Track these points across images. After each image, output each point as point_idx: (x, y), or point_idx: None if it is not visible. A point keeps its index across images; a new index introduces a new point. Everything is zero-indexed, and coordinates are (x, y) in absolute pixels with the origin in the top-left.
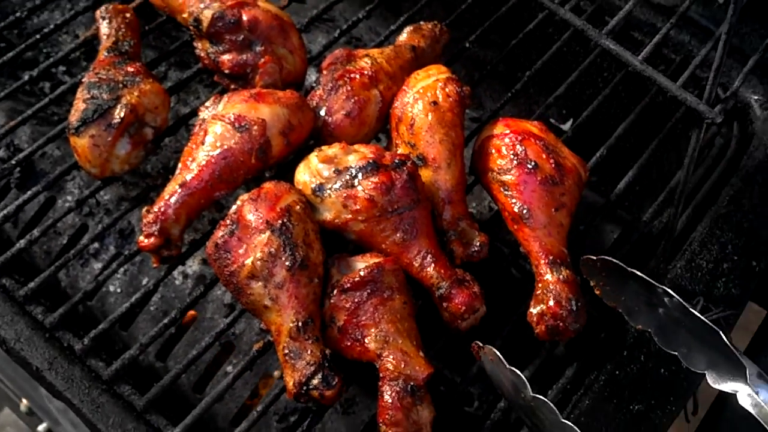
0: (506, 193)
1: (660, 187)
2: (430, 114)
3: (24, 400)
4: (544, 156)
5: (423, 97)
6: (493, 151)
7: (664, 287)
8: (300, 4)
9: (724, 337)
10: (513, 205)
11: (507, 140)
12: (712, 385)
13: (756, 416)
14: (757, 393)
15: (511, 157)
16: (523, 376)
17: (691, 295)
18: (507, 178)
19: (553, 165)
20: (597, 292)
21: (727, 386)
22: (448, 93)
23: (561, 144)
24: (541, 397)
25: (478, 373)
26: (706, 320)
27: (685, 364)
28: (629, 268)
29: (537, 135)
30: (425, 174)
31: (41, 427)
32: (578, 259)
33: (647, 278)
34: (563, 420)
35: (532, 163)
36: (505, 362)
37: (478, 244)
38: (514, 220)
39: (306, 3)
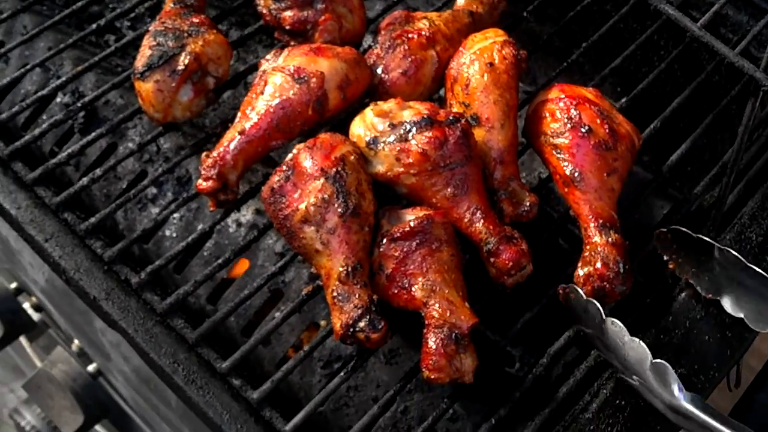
0: (559, 156)
1: (713, 167)
2: (486, 75)
3: (76, 341)
4: (598, 121)
5: (479, 58)
6: (547, 114)
7: (723, 247)
8: None
9: None
10: (565, 168)
11: (561, 104)
12: None
13: None
14: None
15: (565, 120)
16: (598, 304)
17: None
18: (560, 141)
19: (607, 130)
20: (671, 266)
21: None
22: (504, 55)
23: (615, 111)
24: (614, 319)
25: (519, 334)
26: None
27: (751, 326)
28: (694, 234)
29: (592, 100)
30: (478, 134)
31: (91, 367)
32: (627, 227)
33: (708, 239)
34: (632, 337)
35: (586, 128)
36: (583, 294)
37: (528, 204)
38: (566, 183)
39: None
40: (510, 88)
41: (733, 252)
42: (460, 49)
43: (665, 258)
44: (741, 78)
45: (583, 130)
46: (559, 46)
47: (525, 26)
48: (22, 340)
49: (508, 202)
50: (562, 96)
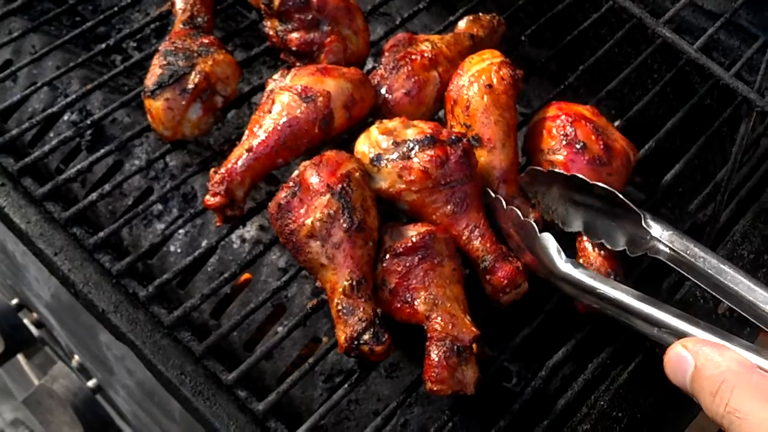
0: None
1: (703, 188)
2: (485, 96)
3: (76, 356)
4: (593, 137)
5: (478, 80)
6: (545, 131)
7: (559, 171)
8: None
9: (618, 194)
10: None
11: (558, 122)
12: (632, 255)
13: (665, 261)
14: (653, 236)
15: (561, 137)
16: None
17: None
18: (556, 157)
19: (601, 146)
20: (535, 215)
21: (643, 249)
22: (502, 76)
23: (612, 127)
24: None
25: (517, 349)
26: (602, 185)
27: (609, 246)
28: (543, 170)
29: (588, 117)
30: (480, 154)
31: (90, 382)
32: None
33: (557, 171)
34: (523, 219)
35: (581, 144)
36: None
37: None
38: None
39: None
40: (509, 108)
41: (579, 176)
42: (458, 71)
43: (532, 202)
44: (733, 101)
45: (577, 146)
46: (554, 69)
47: (521, 50)
48: (19, 357)
49: None
50: (560, 113)
